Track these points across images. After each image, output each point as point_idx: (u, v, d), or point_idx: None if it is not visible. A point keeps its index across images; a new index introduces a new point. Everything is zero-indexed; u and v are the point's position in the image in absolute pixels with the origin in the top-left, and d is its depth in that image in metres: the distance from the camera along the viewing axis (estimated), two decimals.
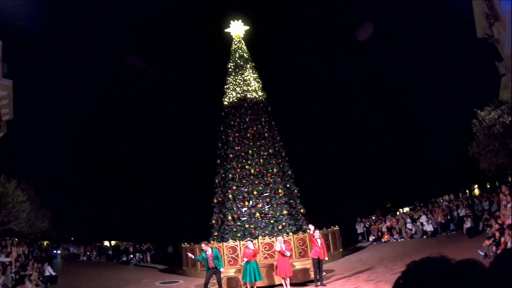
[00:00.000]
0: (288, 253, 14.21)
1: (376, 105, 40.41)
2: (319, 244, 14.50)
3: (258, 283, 14.47)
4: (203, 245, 14.91)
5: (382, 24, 38.36)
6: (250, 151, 21.56)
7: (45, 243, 38.85)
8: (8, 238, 22.98)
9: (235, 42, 25.54)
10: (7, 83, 26.73)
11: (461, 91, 31.09)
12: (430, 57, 36.25)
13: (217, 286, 14.24)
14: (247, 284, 14.25)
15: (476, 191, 34.49)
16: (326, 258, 14.79)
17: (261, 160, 21.38)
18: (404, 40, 38.62)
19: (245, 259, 14.29)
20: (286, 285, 14.20)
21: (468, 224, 19.95)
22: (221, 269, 14.19)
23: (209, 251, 13.94)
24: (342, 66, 42.12)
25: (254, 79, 24.14)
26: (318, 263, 14.31)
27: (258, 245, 17.35)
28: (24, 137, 35.25)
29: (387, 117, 39.92)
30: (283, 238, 15.43)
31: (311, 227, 15.34)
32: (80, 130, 44.48)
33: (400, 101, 38.62)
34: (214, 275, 14.09)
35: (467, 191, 36.75)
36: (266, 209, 19.96)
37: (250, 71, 24.38)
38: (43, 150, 40.51)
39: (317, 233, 15.01)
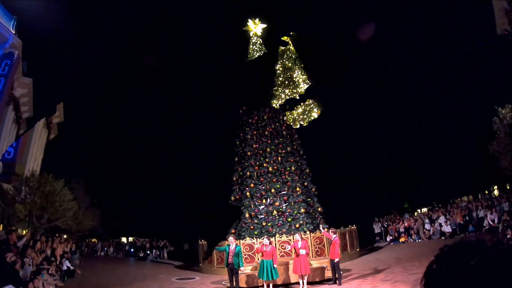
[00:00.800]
0: (303, 252, 14.06)
1: (395, 102, 40.11)
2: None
3: (274, 281, 14.38)
4: (231, 238, 14.93)
5: (401, 21, 38.10)
6: (268, 149, 21.67)
7: (93, 240, 39.44)
8: (57, 235, 23.54)
9: (253, 40, 25.61)
10: (27, 81, 27.30)
11: (481, 88, 30.72)
12: (449, 54, 35.91)
13: (233, 284, 13.94)
14: (264, 281, 14.09)
15: (496, 192, 34.01)
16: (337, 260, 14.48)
17: (279, 158, 21.47)
18: (424, 36, 38.28)
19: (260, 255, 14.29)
20: (303, 284, 14.08)
21: (487, 225, 19.73)
22: (241, 268, 14.20)
23: (232, 246, 13.92)
24: (361, 63, 41.87)
25: None
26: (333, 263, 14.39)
27: (275, 243, 17.44)
28: (74, 139, 36.40)
29: (405, 115, 39.64)
30: (300, 236, 15.40)
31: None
32: (100, 126, 44.97)
33: (419, 99, 38.33)
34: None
35: (486, 192, 36.24)
36: (284, 207, 20.02)
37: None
38: (92, 151, 41.40)
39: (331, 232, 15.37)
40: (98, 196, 38.69)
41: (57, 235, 23.31)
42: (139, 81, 46.48)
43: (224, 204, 23.52)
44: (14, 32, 25.14)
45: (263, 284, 14.33)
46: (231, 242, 14.28)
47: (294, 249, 14.48)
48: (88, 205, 32.15)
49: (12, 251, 11.65)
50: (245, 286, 15.09)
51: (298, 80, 23.96)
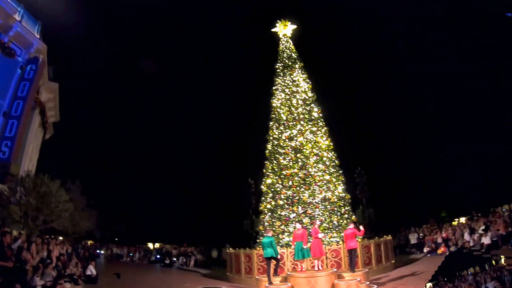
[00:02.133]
0: (320, 235, 16.10)
1: (432, 107, 39.19)
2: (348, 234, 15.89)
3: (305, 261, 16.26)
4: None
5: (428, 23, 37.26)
6: (299, 156, 21.17)
7: (89, 242, 39.62)
8: (53, 237, 23.47)
9: (283, 42, 25.23)
10: (53, 86, 27.54)
11: None
12: (484, 57, 34.90)
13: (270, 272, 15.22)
14: (298, 261, 15.95)
15: None
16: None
17: (312, 164, 20.94)
18: (456, 45, 37.31)
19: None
20: (318, 266, 15.85)
21: None
22: (278, 256, 15.56)
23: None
24: (395, 67, 41.15)
25: (304, 80, 23.71)
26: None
27: (326, 251, 17.46)
28: (70, 139, 36.23)
29: (443, 115, 38.60)
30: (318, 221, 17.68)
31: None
32: (126, 132, 45.36)
33: (459, 100, 37.24)
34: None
35: None
36: (316, 216, 19.47)
37: (299, 71, 24.02)
38: (88, 151, 41.53)
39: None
40: (95, 198, 38.58)
41: (52, 237, 23.24)
42: (142, 81, 46.91)
43: (254, 211, 23.18)
44: (38, 37, 25.39)
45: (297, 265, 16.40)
46: (269, 232, 15.78)
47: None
48: (84, 206, 32.12)
49: (7, 254, 11.43)
50: None
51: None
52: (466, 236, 23.55)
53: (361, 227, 16.35)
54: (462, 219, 34.76)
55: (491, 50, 34.94)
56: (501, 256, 16.78)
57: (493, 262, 16.94)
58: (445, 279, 16.07)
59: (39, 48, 25.09)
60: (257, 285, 16.10)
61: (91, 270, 19.55)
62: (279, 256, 15.94)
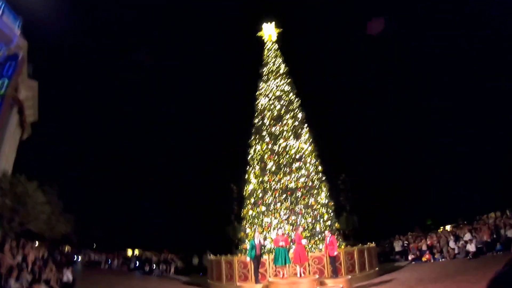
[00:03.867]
0: (304, 241, 16.31)
1: (418, 112, 39.70)
2: (328, 242, 16.55)
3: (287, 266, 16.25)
4: (256, 233, 17.04)
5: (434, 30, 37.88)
6: (282, 161, 21.31)
7: (66, 247, 39.25)
8: (28, 241, 23.25)
9: (268, 46, 25.36)
10: (33, 84, 27.21)
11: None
12: (475, 63, 35.54)
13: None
14: (278, 267, 16.23)
15: None
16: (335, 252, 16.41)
17: (295, 171, 21.10)
18: (455, 54, 38.01)
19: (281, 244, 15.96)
20: (300, 272, 16.03)
21: None
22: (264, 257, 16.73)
23: (256, 241, 16.30)
24: (380, 73, 41.66)
25: (288, 84, 23.86)
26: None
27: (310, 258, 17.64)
28: (48, 140, 35.84)
29: (430, 124, 39.16)
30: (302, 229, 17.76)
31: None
32: (107, 135, 45.09)
33: (444, 108, 37.81)
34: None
35: None
36: (298, 222, 19.62)
37: (284, 76, 24.14)
38: (67, 153, 41.17)
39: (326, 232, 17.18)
40: (73, 201, 38.08)
41: (28, 240, 23.01)
42: (125, 83, 46.78)
43: (236, 217, 23.24)
44: (19, 33, 25.18)
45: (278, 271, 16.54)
46: (256, 236, 16.57)
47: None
48: (62, 210, 31.75)
49: None
50: None
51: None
52: (451, 244, 23.95)
53: (329, 238, 16.70)
54: (448, 227, 35.33)
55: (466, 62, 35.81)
56: None
57: None
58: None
59: (19, 45, 24.84)
60: None
61: (68, 276, 19.43)
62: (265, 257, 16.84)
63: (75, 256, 36.89)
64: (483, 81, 35.62)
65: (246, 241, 16.88)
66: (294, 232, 17.73)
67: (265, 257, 17.79)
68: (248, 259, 16.54)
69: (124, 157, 46.21)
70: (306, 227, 19.61)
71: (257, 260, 16.15)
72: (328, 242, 16.41)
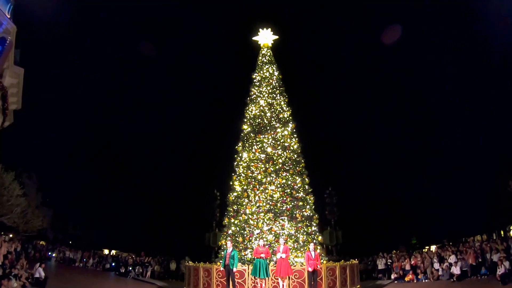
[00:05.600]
0: (283, 255, 15.94)
1: (407, 132, 39.97)
2: (313, 257, 16.22)
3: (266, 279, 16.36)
4: (228, 242, 17.21)
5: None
6: (269, 170, 21.20)
7: (41, 243, 38.82)
8: (2, 233, 22.96)
9: (263, 52, 25.30)
10: (18, 70, 26.78)
11: (502, 117, 30.48)
12: (466, 80, 35.93)
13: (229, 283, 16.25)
14: (257, 279, 16.18)
15: None
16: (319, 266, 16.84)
17: (280, 180, 20.99)
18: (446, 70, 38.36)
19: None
20: (283, 285, 15.94)
21: (502, 269, 19.08)
22: (234, 269, 16.19)
23: (229, 250, 16.38)
24: (373, 87, 41.91)
25: (280, 93, 23.77)
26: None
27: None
28: (31, 130, 35.38)
29: (418, 145, 39.40)
30: (284, 240, 17.61)
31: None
32: (91, 129, 44.74)
33: (434, 125, 38.12)
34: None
35: (502, 232, 35.59)
36: (281, 233, 19.52)
37: (276, 83, 24.05)
38: (50, 145, 40.75)
39: (311, 246, 16.89)
40: (51, 195, 37.46)
41: (1, 233, 22.71)
42: (112, 77, 46.52)
43: (218, 224, 23.10)
44: (9, 17, 24.81)
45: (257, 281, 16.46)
46: (228, 246, 16.63)
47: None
48: (39, 204, 31.24)
49: None
50: None
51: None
52: (435, 265, 23.99)
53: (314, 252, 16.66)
54: (433, 247, 35.47)
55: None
56: None
57: None
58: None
59: (8, 29, 24.38)
60: None
61: (40, 273, 19.17)
62: (235, 269, 16.45)
63: (50, 252, 36.45)
64: (473, 103, 36.06)
65: (224, 250, 16.77)
66: (278, 244, 17.67)
67: (244, 267, 17.66)
68: (221, 268, 16.61)
69: (108, 155, 45.87)
70: (289, 239, 19.50)
71: (226, 270, 16.21)
72: (314, 257, 16.29)
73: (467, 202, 34.02)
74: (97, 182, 43.85)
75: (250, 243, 19.63)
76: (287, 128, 22.67)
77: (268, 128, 22.42)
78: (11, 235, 27.08)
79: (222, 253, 19.88)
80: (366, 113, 41.80)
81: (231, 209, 21.46)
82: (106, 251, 41.08)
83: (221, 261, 19.14)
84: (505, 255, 20.62)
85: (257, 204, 20.43)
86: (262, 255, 15.96)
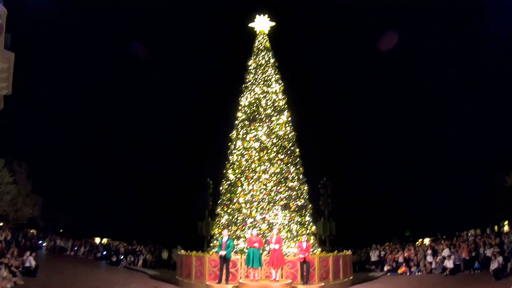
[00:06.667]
0: (276, 246, 16.06)
1: (403, 125, 40.03)
2: (304, 247, 16.48)
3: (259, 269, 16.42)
4: (225, 231, 17.56)
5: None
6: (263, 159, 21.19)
7: (31, 231, 38.70)
8: None
9: (259, 38, 25.15)
10: (9, 55, 26.51)
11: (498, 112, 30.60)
12: (464, 75, 36.01)
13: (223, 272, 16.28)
14: (250, 268, 16.16)
15: (506, 228, 33.60)
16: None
17: (274, 169, 21.00)
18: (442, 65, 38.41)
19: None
20: (276, 275, 16.00)
21: (495, 264, 19.23)
22: (231, 258, 16.49)
23: (225, 239, 16.47)
24: (369, 78, 41.91)
25: (276, 81, 23.68)
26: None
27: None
28: (22, 116, 35.14)
29: (414, 138, 39.46)
30: (277, 231, 17.68)
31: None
32: (83, 115, 44.52)
33: (430, 118, 38.19)
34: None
35: (496, 227, 35.83)
36: (274, 223, 19.55)
37: (272, 71, 23.93)
38: (41, 132, 40.54)
39: (303, 236, 17.34)
40: (42, 183, 37.23)
41: None
42: (105, 63, 46.21)
43: (210, 213, 23.07)
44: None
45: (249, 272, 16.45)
46: (224, 234, 16.84)
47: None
48: (30, 192, 31.03)
49: None
50: None
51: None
52: (429, 258, 24.15)
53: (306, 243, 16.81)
54: (426, 240, 35.67)
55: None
56: None
57: None
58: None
59: None
60: None
61: (31, 261, 19.12)
62: (231, 258, 16.64)
63: (40, 241, 36.38)
64: (468, 98, 36.18)
65: (220, 239, 16.78)
66: (271, 233, 17.78)
67: (237, 256, 17.62)
68: (218, 257, 16.44)
69: (99, 142, 45.72)
70: (282, 228, 19.55)
71: (222, 259, 16.18)
72: (305, 247, 16.42)
73: (461, 196, 34.26)
74: (88, 170, 43.78)
75: (243, 232, 19.68)
76: (282, 116, 22.61)
77: (263, 116, 22.35)
78: (1, 224, 26.95)
79: (215, 242, 19.96)
80: (362, 104, 41.77)
81: (224, 198, 21.49)
82: (97, 240, 41.03)
83: (214, 249, 19.25)
84: (499, 250, 20.82)
85: (251, 193, 20.44)
86: (256, 245, 16.01)
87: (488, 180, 30.06)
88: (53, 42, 41.33)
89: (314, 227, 21.41)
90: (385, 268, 25.77)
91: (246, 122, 22.49)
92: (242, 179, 21.04)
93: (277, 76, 23.88)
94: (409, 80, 40.81)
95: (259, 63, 24.07)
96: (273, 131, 21.96)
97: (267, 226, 19.42)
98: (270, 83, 23.40)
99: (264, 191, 20.40)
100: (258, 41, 24.98)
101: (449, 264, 22.27)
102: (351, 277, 20.75)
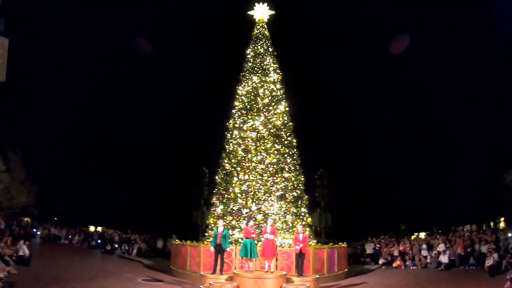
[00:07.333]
0: (271, 236, 15.93)
1: (401, 118, 40.02)
2: (301, 239, 16.25)
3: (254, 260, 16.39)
4: (220, 221, 17.13)
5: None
6: (254, 150, 21.18)
7: (25, 219, 38.64)
8: None
9: (258, 27, 25.02)
10: (3, 41, 26.29)
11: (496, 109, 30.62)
12: (463, 74, 36.02)
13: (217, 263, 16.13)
14: (245, 259, 16.08)
15: (502, 224, 33.70)
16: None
17: (271, 159, 20.99)
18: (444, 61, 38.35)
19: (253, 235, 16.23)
20: (269, 267, 15.85)
21: (490, 261, 19.28)
22: (227, 249, 16.37)
23: (220, 229, 16.21)
24: (368, 71, 41.84)
25: (274, 70, 23.58)
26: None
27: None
28: (16, 103, 34.90)
29: (412, 133, 39.46)
30: (272, 221, 17.19)
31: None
32: (78, 102, 44.31)
33: (429, 116, 38.18)
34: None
35: (492, 224, 35.93)
36: (269, 214, 19.55)
37: (271, 60, 23.83)
38: (36, 120, 40.36)
39: (300, 228, 16.96)
40: (36, 171, 37.09)
41: None
42: (101, 50, 45.94)
43: (206, 203, 23.06)
44: None
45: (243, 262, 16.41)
46: (220, 225, 16.52)
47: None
48: (24, 179, 30.86)
49: None
50: None
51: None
52: (424, 252, 24.18)
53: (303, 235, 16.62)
54: (422, 234, 35.74)
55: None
56: None
57: None
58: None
59: None
60: (202, 281, 16.03)
61: (24, 250, 19.07)
62: (228, 249, 16.60)
63: (34, 229, 36.32)
64: (467, 95, 36.20)
65: (215, 229, 16.70)
66: (265, 224, 17.55)
67: (231, 247, 17.56)
68: (212, 248, 16.23)
69: (95, 129, 45.58)
70: (277, 219, 19.56)
71: (217, 249, 16.00)
72: (301, 239, 16.28)
73: (458, 191, 34.29)
74: (83, 158, 43.68)
75: (238, 222, 19.68)
76: (279, 106, 22.54)
77: (260, 105, 22.31)
78: None
79: (210, 232, 19.95)
80: (360, 96, 41.67)
81: (219, 188, 21.46)
82: (92, 228, 40.99)
83: (209, 239, 19.24)
84: (494, 247, 20.85)
85: (247, 183, 20.42)
86: (253, 235, 16.04)
87: (485, 176, 30.05)
88: (48, 27, 40.96)
89: (309, 219, 21.44)
90: (380, 261, 25.78)
91: (243, 111, 22.41)
92: (238, 168, 21.01)
93: (276, 65, 23.77)
94: (408, 74, 40.71)
95: (258, 52, 23.95)
96: (270, 121, 21.89)
97: (263, 217, 19.40)
98: (268, 72, 23.29)
99: (260, 181, 20.38)
100: (257, 30, 24.84)
101: (444, 259, 22.27)
102: (346, 270, 20.81)
